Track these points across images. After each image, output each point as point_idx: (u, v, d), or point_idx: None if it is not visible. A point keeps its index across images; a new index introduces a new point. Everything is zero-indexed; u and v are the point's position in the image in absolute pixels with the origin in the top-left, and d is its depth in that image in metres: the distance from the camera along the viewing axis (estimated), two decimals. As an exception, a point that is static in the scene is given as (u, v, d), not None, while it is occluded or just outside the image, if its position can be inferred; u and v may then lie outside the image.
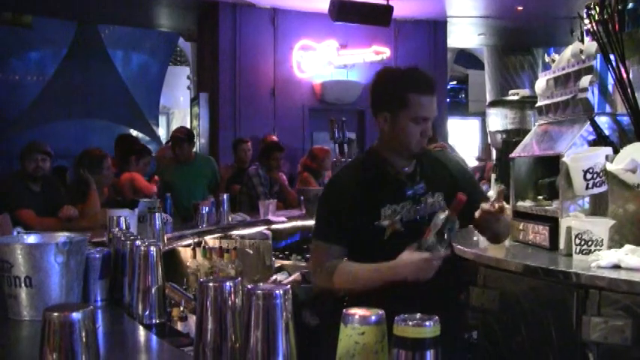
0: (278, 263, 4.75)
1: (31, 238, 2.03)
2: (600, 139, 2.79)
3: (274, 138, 8.59)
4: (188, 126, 10.21)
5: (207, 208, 5.10)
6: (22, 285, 1.86)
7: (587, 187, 2.61)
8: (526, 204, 3.15)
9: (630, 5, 3.02)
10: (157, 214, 3.62)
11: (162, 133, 16.88)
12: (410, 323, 0.89)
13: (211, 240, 4.59)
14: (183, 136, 6.58)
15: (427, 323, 0.89)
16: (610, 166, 2.56)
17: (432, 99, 2.56)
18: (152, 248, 2.01)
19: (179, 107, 17.13)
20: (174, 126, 16.14)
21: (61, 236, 2.00)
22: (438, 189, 2.68)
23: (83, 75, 14.34)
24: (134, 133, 13.31)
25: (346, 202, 2.58)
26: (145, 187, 5.68)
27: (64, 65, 14.31)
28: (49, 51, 14.42)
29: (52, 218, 4.65)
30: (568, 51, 3.17)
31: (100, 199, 4.91)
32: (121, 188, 5.54)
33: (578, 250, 2.54)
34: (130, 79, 15.42)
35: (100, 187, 5.03)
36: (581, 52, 3.00)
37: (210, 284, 1.17)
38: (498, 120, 4.20)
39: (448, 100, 12.77)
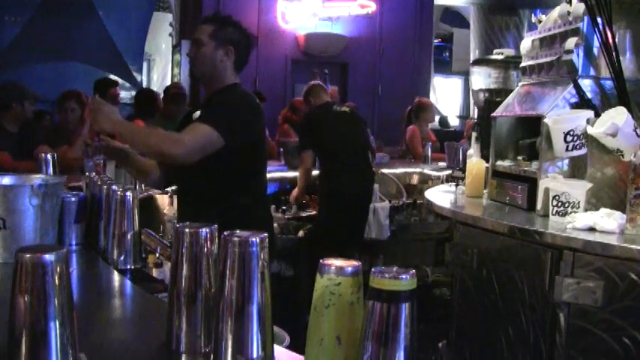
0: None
1: (6, 180, 1.98)
2: (583, 102, 2.79)
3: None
4: (169, 74, 10.04)
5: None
6: (-4, 226, 1.83)
7: (567, 149, 2.63)
8: (505, 163, 3.17)
9: (620, -32, 3.00)
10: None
11: (143, 79, 16.65)
12: (386, 275, 0.89)
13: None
14: (183, 93, 6.50)
15: (403, 276, 0.89)
16: (591, 130, 2.57)
17: None
18: (128, 193, 1.99)
19: (160, 54, 16.86)
20: (155, 73, 15.86)
21: (37, 178, 1.97)
22: None
23: (64, 17, 14.02)
24: (114, 78, 13.09)
25: None
26: None
27: (45, 7, 13.98)
28: (30, -8, 14.07)
29: (29, 162, 4.55)
30: (555, 12, 3.15)
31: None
32: None
33: (554, 212, 2.56)
34: (112, 24, 15.12)
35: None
36: (569, 13, 2.99)
37: (186, 230, 1.16)
38: (481, 79, 4.18)
39: (432, 58, 12.67)
